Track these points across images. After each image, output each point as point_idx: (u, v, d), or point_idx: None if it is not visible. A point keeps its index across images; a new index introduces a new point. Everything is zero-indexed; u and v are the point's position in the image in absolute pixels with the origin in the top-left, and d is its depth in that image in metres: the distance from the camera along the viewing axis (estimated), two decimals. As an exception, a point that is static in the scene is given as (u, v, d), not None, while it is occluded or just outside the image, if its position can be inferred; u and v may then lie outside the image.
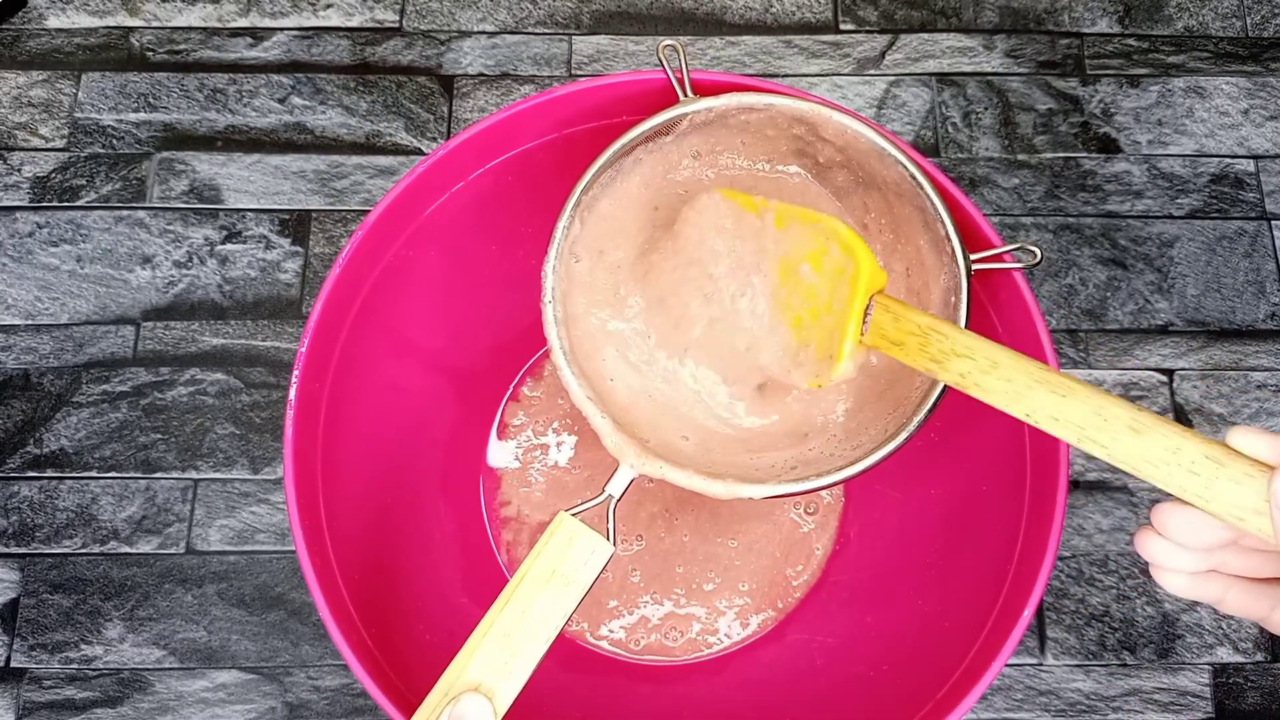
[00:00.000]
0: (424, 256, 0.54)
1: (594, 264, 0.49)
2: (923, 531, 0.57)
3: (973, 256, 0.44)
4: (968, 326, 0.42)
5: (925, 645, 0.51)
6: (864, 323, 0.41)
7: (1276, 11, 0.74)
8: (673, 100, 0.47)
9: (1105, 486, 0.64)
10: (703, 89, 0.47)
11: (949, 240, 0.44)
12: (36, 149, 0.69)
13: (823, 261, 0.43)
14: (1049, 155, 0.70)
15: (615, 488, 0.43)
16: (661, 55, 0.47)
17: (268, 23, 0.73)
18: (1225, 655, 0.61)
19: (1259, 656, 0.61)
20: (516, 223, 0.57)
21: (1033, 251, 0.43)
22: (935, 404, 0.42)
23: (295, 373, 0.46)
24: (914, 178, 0.44)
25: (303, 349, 0.46)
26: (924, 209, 0.45)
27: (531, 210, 0.57)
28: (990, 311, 0.48)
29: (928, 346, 0.37)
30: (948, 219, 0.44)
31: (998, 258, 0.44)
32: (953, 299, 0.44)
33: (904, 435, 0.42)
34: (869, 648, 0.55)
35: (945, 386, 0.40)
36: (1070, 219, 0.69)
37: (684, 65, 0.47)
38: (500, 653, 0.39)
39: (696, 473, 0.42)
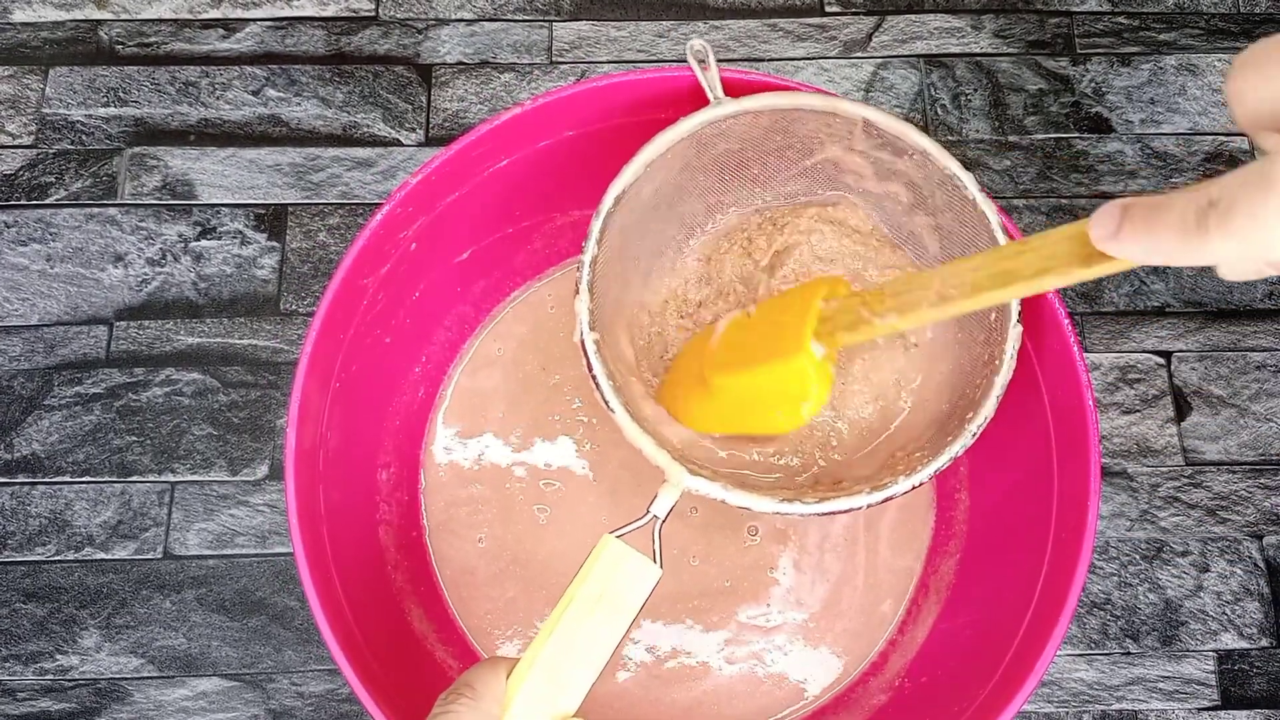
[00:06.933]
0: (432, 252, 0.52)
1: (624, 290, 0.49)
2: (951, 545, 0.56)
3: None
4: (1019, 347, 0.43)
5: (953, 659, 0.50)
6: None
7: (1268, -13, 0.73)
8: (701, 101, 0.45)
9: (1105, 472, 0.63)
10: (734, 89, 0.45)
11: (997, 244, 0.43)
12: (3, 146, 0.67)
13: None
14: (1040, 136, 0.69)
15: (660, 508, 0.41)
16: (690, 56, 0.45)
17: (240, 13, 0.71)
18: (1230, 641, 0.60)
19: (1264, 642, 0.60)
20: (524, 218, 0.56)
21: None
22: (977, 433, 0.42)
23: (299, 370, 0.44)
24: (956, 177, 0.44)
25: (307, 348, 0.45)
26: (969, 213, 0.44)
27: (539, 206, 0.56)
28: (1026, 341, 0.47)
29: (875, 309, 0.39)
30: (994, 220, 0.43)
31: None
32: (993, 314, 0.44)
33: (940, 461, 0.42)
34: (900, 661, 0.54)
35: (985, 421, 0.42)
36: (1063, 200, 0.68)
37: (713, 65, 0.45)
38: (550, 684, 0.37)
39: (742, 490, 0.41)
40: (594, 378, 0.42)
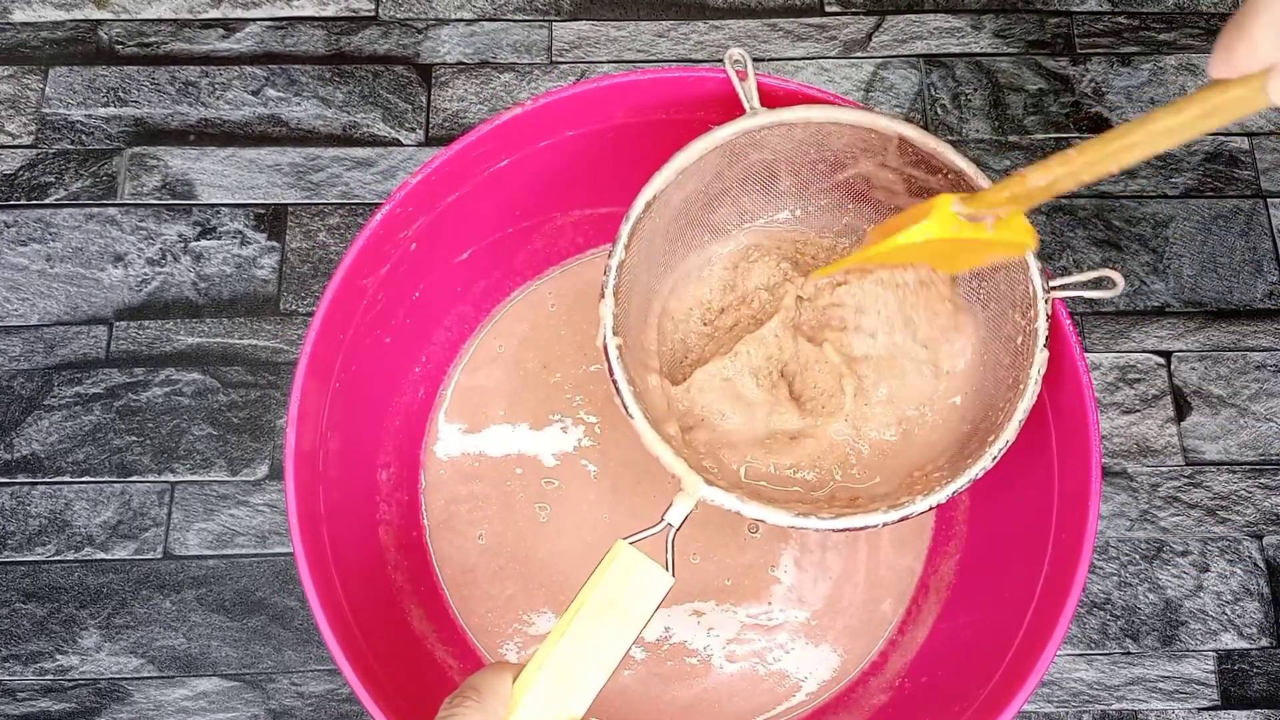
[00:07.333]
0: (432, 252, 0.52)
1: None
2: (951, 545, 0.56)
3: (1052, 284, 0.43)
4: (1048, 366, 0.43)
5: (953, 659, 0.50)
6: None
7: (1267, -13, 0.73)
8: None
9: (1105, 472, 0.63)
10: (771, 99, 0.45)
11: (1027, 269, 0.43)
12: (3, 146, 0.67)
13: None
14: (1040, 136, 0.69)
15: (675, 516, 0.41)
16: (728, 64, 0.44)
17: (240, 13, 0.71)
18: (1230, 641, 0.60)
19: (1264, 642, 0.60)
20: (521, 219, 0.56)
21: (1112, 280, 0.42)
22: (998, 456, 0.42)
23: (299, 370, 0.44)
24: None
25: (307, 348, 0.45)
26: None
27: (539, 206, 0.56)
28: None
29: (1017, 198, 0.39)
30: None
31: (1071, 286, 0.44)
32: (1020, 339, 0.43)
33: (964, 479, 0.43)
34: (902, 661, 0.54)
35: (1005, 445, 0.43)
36: (1063, 200, 0.68)
37: (751, 75, 0.44)
38: (558, 687, 0.38)
39: (757, 501, 0.41)
40: (615, 382, 0.42)
